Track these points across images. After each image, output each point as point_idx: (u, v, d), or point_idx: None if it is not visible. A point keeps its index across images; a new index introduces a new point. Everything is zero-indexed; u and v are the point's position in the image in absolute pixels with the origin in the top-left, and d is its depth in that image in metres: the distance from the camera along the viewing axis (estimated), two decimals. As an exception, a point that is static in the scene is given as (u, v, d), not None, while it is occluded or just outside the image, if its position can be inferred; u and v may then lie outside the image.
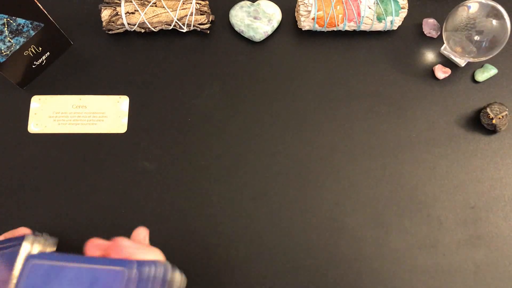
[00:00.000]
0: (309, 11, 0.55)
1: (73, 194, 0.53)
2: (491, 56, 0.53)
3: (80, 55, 0.58)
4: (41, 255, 0.33)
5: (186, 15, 0.55)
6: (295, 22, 0.59)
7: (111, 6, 0.55)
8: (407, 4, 0.56)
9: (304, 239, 0.51)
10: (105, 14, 0.55)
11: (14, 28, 0.49)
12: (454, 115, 0.56)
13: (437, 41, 0.59)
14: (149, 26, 0.55)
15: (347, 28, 0.57)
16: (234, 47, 0.58)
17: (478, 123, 0.56)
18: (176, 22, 0.56)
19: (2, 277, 0.37)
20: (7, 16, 0.48)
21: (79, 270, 0.32)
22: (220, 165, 0.54)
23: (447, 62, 0.58)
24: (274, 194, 0.53)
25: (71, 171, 0.53)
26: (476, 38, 0.51)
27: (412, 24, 0.59)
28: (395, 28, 0.57)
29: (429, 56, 0.58)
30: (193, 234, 0.52)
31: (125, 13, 0.55)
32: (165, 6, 0.55)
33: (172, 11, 0.55)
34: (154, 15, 0.55)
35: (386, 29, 0.58)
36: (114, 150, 0.54)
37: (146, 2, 0.55)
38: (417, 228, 0.52)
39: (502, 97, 0.57)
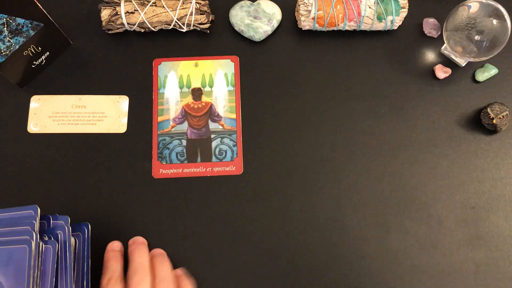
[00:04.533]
0: (309, 11, 0.55)
1: (72, 194, 0.52)
2: (491, 56, 0.53)
3: (79, 55, 0.58)
4: None
5: (186, 15, 0.55)
6: (295, 21, 0.59)
7: (111, 6, 0.55)
8: (407, 4, 0.56)
9: (304, 239, 0.51)
10: (105, 13, 0.55)
11: (14, 28, 0.49)
12: (454, 115, 0.56)
13: (438, 41, 0.59)
14: (149, 25, 0.55)
15: (347, 28, 0.57)
16: (234, 47, 0.58)
17: (479, 123, 0.55)
18: (176, 21, 0.56)
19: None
20: (6, 15, 0.48)
21: None
22: (220, 165, 0.54)
23: (447, 62, 0.58)
24: (273, 194, 0.53)
25: (70, 171, 0.53)
26: (477, 37, 0.51)
27: (412, 23, 0.59)
28: (395, 27, 0.57)
29: (430, 56, 0.58)
30: (191, 233, 0.51)
31: (125, 13, 0.55)
32: (165, 6, 0.55)
33: (172, 10, 0.55)
34: (154, 15, 0.55)
35: (387, 29, 0.57)
36: (113, 150, 0.54)
37: (145, 2, 0.55)
38: (417, 228, 0.52)
39: (503, 97, 0.57)
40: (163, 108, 0.55)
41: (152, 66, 0.57)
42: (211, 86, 0.56)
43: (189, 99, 0.55)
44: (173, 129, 0.54)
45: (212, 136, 0.54)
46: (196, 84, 0.56)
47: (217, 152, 0.54)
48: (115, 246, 0.50)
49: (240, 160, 0.54)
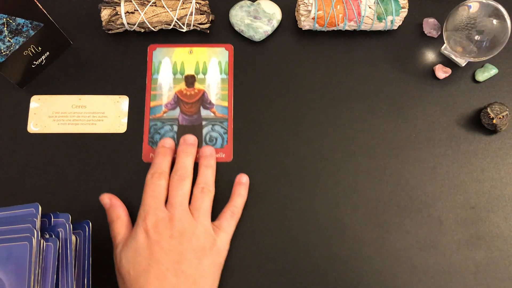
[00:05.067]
0: (309, 11, 0.55)
1: (72, 194, 0.52)
2: (491, 56, 0.53)
3: (79, 55, 0.58)
4: None
5: (186, 15, 0.55)
6: (295, 21, 0.59)
7: (111, 6, 0.55)
8: (407, 4, 0.56)
9: (304, 239, 0.51)
10: (105, 13, 0.55)
11: (14, 28, 0.49)
12: (454, 115, 0.56)
13: (438, 41, 0.59)
14: (149, 25, 0.55)
15: (347, 28, 0.57)
16: (234, 47, 0.58)
17: (479, 123, 0.55)
18: (176, 21, 0.56)
19: None
20: (6, 15, 0.48)
21: None
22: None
23: (447, 62, 0.58)
24: (273, 194, 0.53)
25: (70, 171, 0.53)
26: (477, 37, 0.51)
27: (412, 23, 0.59)
28: (395, 27, 0.57)
29: (430, 56, 0.58)
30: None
31: (125, 13, 0.55)
32: (165, 6, 0.55)
33: (172, 10, 0.55)
34: (154, 15, 0.55)
35: (387, 29, 0.57)
36: (113, 150, 0.54)
37: (145, 2, 0.55)
38: (417, 228, 0.52)
39: (503, 97, 0.57)
40: (156, 94, 0.56)
41: (147, 52, 0.57)
42: (204, 74, 0.56)
43: (182, 86, 0.56)
44: (165, 115, 0.55)
45: (204, 123, 0.55)
46: (189, 71, 0.56)
47: (207, 139, 0.54)
48: (166, 143, 0.52)
49: (230, 147, 0.54)
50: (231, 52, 0.57)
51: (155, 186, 0.48)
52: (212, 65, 0.56)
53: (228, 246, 0.49)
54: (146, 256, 0.44)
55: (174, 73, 0.56)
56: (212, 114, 0.55)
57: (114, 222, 0.49)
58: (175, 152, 0.52)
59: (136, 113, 0.55)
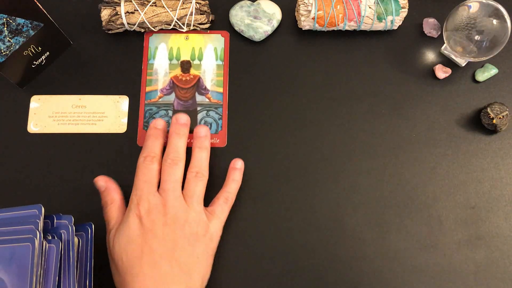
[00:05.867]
0: (309, 11, 0.55)
1: (72, 195, 0.52)
2: (491, 56, 0.53)
3: (79, 55, 0.58)
4: None
5: (186, 15, 0.55)
6: (295, 21, 0.59)
7: (111, 6, 0.55)
8: (407, 4, 0.56)
9: (303, 239, 0.51)
10: (105, 13, 0.55)
11: (14, 28, 0.49)
12: (454, 115, 0.56)
13: (438, 41, 0.59)
14: (149, 25, 0.55)
15: (347, 28, 0.57)
16: (234, 47, 0.58)
17: (479, 123, 0.55)
18: (176, 21, 0.56)
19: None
20: (6, 15, 0.48)
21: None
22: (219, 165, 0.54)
23: (447, 62, 0.58)
24: (273, 194, 0.53)
25: (70, 171, 0.53)
26: (477, 37, 0.51)
27: (412, 23, 0.59)
28: (395, 27, 0.57)
29: (430, 56, 0.58)
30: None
31: (125, 13, 0.55)
32: (165, 6, 0.55)
33: (172, 10, 0.55)
34: (154, 15, 0.55)
35: (387, 29, 0.57)
36: (113, 150, 0.54)
37: (145, 2, 0.55)
38: (417, 228, 0.52)
39: (503, 97, 0.57)
40: (152, 79, 0.56)
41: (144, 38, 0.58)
42: (200, 60, 0.57)
43: (178, 71, 0.56)
44: (160, 100, 0.55)
45: (198, 108, 0.55)
46: (185, 56, 0.57)
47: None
48: (158, 124, 0.50)
49: (224, 133, 0.54)
50: (227, 39, 0.58)
51: (147, 170, 0.47)
52: (208, 51, 0.57)
53: (220, 232, 0.49)
54: (139, 244, 0.44)
55: (170, 59, 0.56)
56: (207, 100, 0.55)
57: (108, 206, 0.48)
58: (167, 134, 0.52)
59: (136, 113, 0.55)
